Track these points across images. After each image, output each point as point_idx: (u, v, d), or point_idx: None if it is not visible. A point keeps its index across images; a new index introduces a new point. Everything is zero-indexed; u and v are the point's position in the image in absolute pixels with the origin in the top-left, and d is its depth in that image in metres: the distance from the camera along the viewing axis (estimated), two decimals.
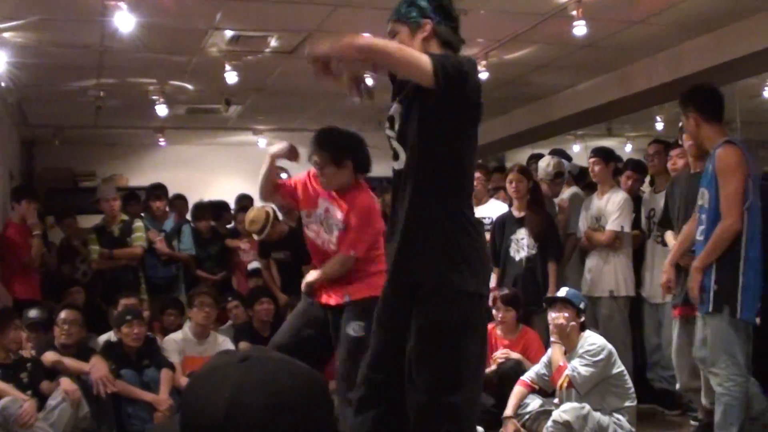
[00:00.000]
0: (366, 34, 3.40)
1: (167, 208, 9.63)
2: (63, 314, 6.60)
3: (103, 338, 7.21)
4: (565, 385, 6.14)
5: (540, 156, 8.58)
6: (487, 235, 7.50)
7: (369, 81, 3.60)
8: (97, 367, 6.28)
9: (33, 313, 7.01)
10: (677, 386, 6.06)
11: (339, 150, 5.16)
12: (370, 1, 6.55)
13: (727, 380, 5.25)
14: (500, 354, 6.96)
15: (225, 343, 7.31)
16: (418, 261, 3.42)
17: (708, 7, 7.28)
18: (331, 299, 5.24)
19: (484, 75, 8.44)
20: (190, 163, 13.10)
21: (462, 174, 3.48)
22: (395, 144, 3.55)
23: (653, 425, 6.42)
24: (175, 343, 7.15)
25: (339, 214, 5.21)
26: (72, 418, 6.03)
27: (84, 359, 6.45)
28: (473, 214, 3.50)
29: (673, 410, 7.15)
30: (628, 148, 13.49)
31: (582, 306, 6.40)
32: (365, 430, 3.58)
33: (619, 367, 6.18)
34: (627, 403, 6.14)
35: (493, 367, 6.92)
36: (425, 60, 3.21)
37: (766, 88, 9.46)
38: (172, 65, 8.72)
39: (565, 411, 5.91)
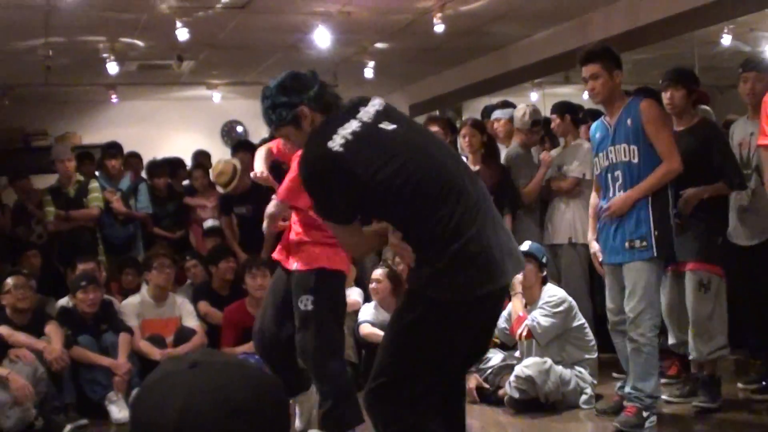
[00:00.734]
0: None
1: (122, 167, 9.51)
2: (10, 281, 6.38)
3: (61, 303, 7.12)
4: (524, 334, 6.16)
5: (493, 108, 8.51)
6: None
7: None
8: (49, 350, 6.16)
9: None
10: (670, 341, 6.08)
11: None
12: None
13: (651, 330, 5.36)
14: None
15: (184, 304, 7.26)
16: None
17: None
18: (288, 263, 5.16)
19: (440, 27, 8.37)
20: (144, 120, 12.93)
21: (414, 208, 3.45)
22: None
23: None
24: (133, 306, 7.08)
25: None
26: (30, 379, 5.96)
27: (40, 325, 6.36)
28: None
29: None
30: (586, 95, 13.43)
31: (544, 260, 6.41)
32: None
33: (580, 320, 6.23)
34: (588, 356, 6.19)
35: None
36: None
37: (723, 35, 9.43)
38: (121, 23, 8.53)
39: (527, 366, 5.93)
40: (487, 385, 6.35)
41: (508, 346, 6.59)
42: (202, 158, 10.59)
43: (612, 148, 5.47)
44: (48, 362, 6.10)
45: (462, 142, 7.49)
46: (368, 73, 10.54)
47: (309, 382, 5.33)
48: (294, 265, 5.02)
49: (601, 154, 5.55)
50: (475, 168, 7.37)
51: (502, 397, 6.14)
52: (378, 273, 7.01)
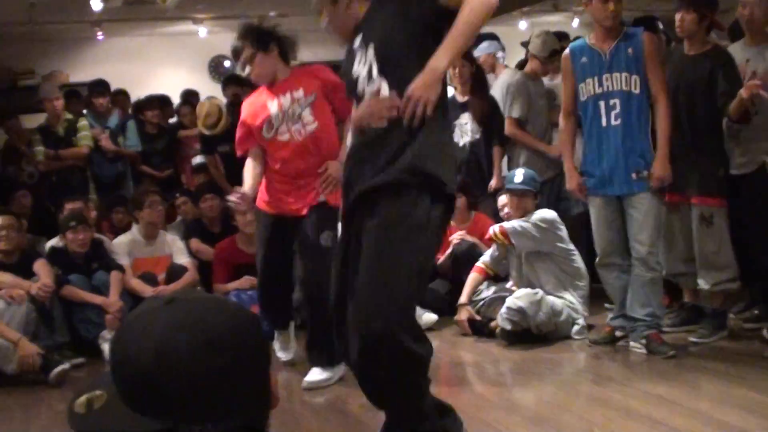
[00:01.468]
0: (437, 66, 3.20)
1: (110, 105, 9.44)
2: None
3: (51, 243, 7.10)
4: (497, 231, 6.18)
5: (483, 37, 8.39)
6: None
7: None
8: (33, 285, 6.18)
9: None
10: (664, 272, 6.06)
11: (262, 35, 5.18)
12: None
13: (658, 257, 5.38)
14: (456, 236, 6.97)
15: (174, 241, 7.24)
16: None
17: None
18: (302, 208, 5.18)
19: None
20: (130, 57, 12.81)
21: None
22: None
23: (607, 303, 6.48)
24: (124, 245, 7.06)
25: (298, 93, 5.15)
26: (25, 319, 6.00)
27: (28, 265, 6.33)
28: None
29: None
30: (575, 23, 13.34)
31: (538, 188, 6.39)
32: None
33: (569, 245, 6.21)
34: (579, 282, 6.19)
35: (449, 250, 6.95)
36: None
37: None
38: None
39: (518, 297, 5.95)
40: (479, 318, 6.37)
41: (500, 278, 6.60)
42: (190, 97, 10.51)
43: (608, 76, 5.41)
44: (35, 294, 6.09)
45: (451, 73, 7.42)
46: None
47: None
48: (320, 198, 5.15)
49: (590, 80, 5.48)
50: (464, 99, 7.33)
51: (494, 329, 6.16)
52: None
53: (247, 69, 5.16)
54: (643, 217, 5.39)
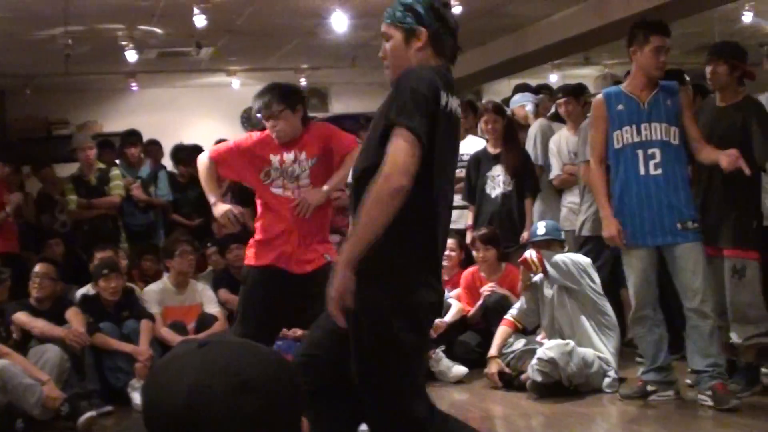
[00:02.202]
0: (347, 261, 3.01)
1: (142, 155, 9.54)
2: (36, 268, 6.52)
3: (81, 291, 7.14)
4: (534, 258, 6.13)
5: (517, 89, 8.42)
6: (463, 172, 7.44)
7: None
8: (70, 331, 6.23)
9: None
10: None
11: (291, 94, 5.24)
12: None
13: (711, 305, 5.42)
14: (487, 288, 6.94)
15: (205, 291, 7.27)
16: None
17: None
18: (307, 265, 5.14)
19: (457, 9, 8.30)
20: (163, 107, 12.97)
21: None
22: None
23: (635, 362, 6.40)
24: (154, 293, 7.10)
25: (302, 155, 5.15)
26: (59, 364, 6.01)
27: (60, 312, 6.40)
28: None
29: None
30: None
31: (563, 237, 6.39)
32: None
33: (599, 289, 6.18)
34: (610, 333, 6.15)
35: (479, 302, 6.92)
36: (400, 165, 2.96)
37: (744, 12, 9.35)
38: (139, 10, 8.55)
39: (549, 348, 5.90)
40: (509, 370, 6.32)
41: (529, 331, 6.56)
42: None
43: (647, 125, 5.39)
44: (68, 342, 6.13)
45: (483, 127, 7.47)
46: None
47: None
48: (327, 257, 5.08)
49: (627, 128, 5.43)
50: (496, 151, 7.34)
51: (524, 382, 6.10)
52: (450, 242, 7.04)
53: (271, 123, 5.16)
54: (693, 267, 5.35)
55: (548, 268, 6.08)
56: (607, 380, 5.99)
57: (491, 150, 7.39)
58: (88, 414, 5.78)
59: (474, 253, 7.02)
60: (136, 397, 6.29)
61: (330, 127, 5.44)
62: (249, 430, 1.36)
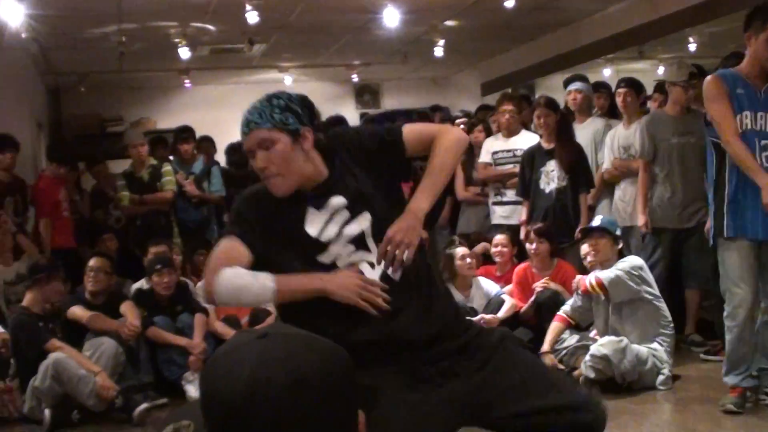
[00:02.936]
0: (419, 208, 2.97)
1: (195, 151, 9.60)
2: (91, 262, 6.63)
3: (136, 285, 7.22)
4: (594, 282, 6.09)
5: (571, 79, 8.33)
6: (517, 167, 7.44)
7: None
8: (124, 323, 6.37)
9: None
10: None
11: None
12: None
13: None
14: (540, 284, 6.90)
15: None
16: None
17: None
18: None
19: (510, 3, 8.30)
20: (216, 104, 13.02)
21: None
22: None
23: (690, 359, 6.33)
24: None
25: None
26: (114, 356, 6.13)
27: (115, 306, 6.52)
28: None
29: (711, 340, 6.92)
30: (661, 70, 13.23)
31: (618, 232, 6.34)
32: None
33: (655, 292, 6.11)
34: (665, 330, 6.08)
35: (532, 298, 6.89)
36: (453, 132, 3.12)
37: None
38: (192, 7, 8.61)
39: (602, 344, 5.86)
40: (562, 366, 6.28)
41: (582, 327, 6.52)
42: None
43: (764, 114, 5.06)
44: (122, 334, 6.25)
45: (536, 122, 7.42)
46: (438, 51, 10.48)
47: None
48: None
49: (748, 113, 5.07)
50: (550, 146, 7.30)
51: (577, 378, 6.07)
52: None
53: None
54: None
55: (610, 291, 6.04)
56: (660, 378, 5.93)
57: (545, 145, 7.34)
58: (143, 406, 5.87)
59: (527, 246, 6.98)
60: (191, 390, 6.35)
61: None
62: (305, 423, 1.36)
